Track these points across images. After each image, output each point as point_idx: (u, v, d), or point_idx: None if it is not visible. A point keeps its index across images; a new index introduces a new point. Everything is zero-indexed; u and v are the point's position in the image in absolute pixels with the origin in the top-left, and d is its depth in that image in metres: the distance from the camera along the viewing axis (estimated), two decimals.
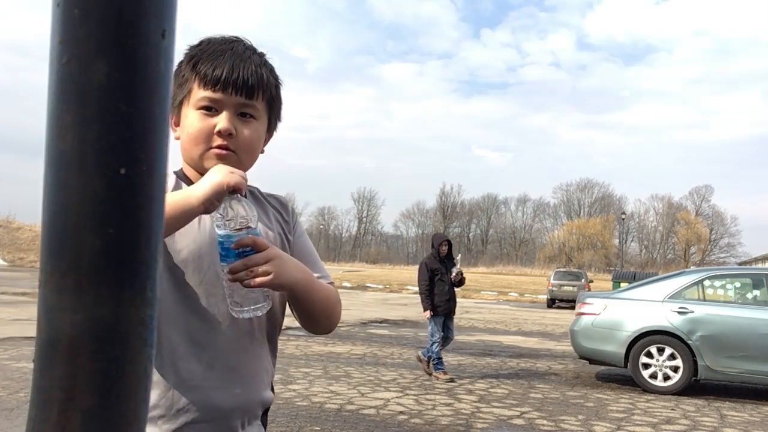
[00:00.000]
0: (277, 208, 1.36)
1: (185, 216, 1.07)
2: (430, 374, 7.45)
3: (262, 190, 1.39)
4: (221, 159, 1.16)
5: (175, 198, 1.05)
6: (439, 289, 7.49)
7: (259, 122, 1.22)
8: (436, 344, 7.44)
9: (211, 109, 1.17)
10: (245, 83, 1.17)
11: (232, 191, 1.08)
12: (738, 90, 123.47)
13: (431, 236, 8.15)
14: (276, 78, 1.26)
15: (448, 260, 7.68)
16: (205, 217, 1.17)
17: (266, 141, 1.29)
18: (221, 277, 1.12)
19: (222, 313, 1.16)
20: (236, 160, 1.18)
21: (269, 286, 1.11)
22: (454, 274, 7.54)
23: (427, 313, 7.58)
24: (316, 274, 1.29)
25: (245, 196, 1.12)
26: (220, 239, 1.09)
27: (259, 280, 1.07)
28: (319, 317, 1.29)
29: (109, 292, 0.26)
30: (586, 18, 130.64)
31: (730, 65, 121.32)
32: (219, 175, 1.07)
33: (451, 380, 7.31)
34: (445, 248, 7.67)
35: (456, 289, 7.74)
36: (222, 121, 1.16)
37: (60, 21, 0.26)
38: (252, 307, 1.15)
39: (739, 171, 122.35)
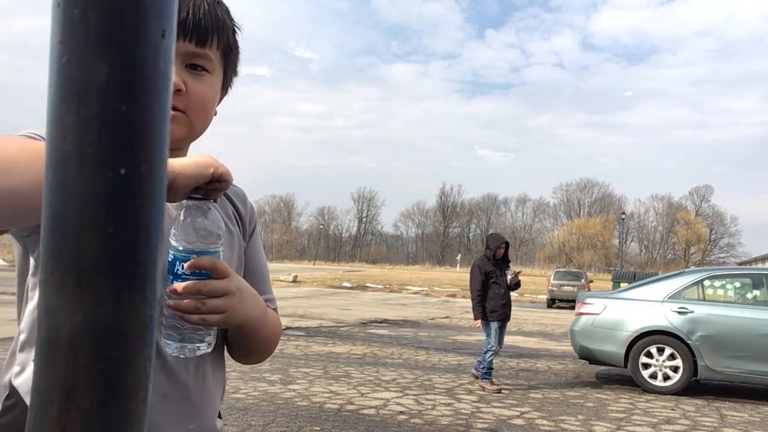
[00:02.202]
0: (236, 203, 1.14)
1: None
2: (484, 389, 6.90)
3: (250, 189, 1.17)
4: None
5: None
6: (494, 293, 7.06)
7: (213, 76, 1.01)
8: (491, 353, 6.99)
9: None
10: (197, 26, 0.95)
11: (215, 181, 0.86)
12: (740, 91, 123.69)
13: (486, 237, 7.67)
14: (233, 21, 1.03)
15: (503, 262, 7.29)
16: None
17: (220, 99, 1.07)
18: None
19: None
20: (187, 123, 0.98)
21: (218, 324, 0.92)
22: (510, 276, 7.13)
23: (477, 322, 7.16)
24: (262, 297, 1.09)
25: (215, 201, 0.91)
26: (172, 254, 0.87)
27: (209, 318, 0.89)
28: (255, 354, 1.11)
29: (109, 292, 0.26)
30: (590, 19, 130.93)
31: (732, 66, 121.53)
32: (206, 157, 0.88)
33: (499, 391, 6.84)
34: (502, 251, 7.27)
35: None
36: None
37: (60, 21, 0.26)
38: (196, 345, 0.92)
39: (739, 171, 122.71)
